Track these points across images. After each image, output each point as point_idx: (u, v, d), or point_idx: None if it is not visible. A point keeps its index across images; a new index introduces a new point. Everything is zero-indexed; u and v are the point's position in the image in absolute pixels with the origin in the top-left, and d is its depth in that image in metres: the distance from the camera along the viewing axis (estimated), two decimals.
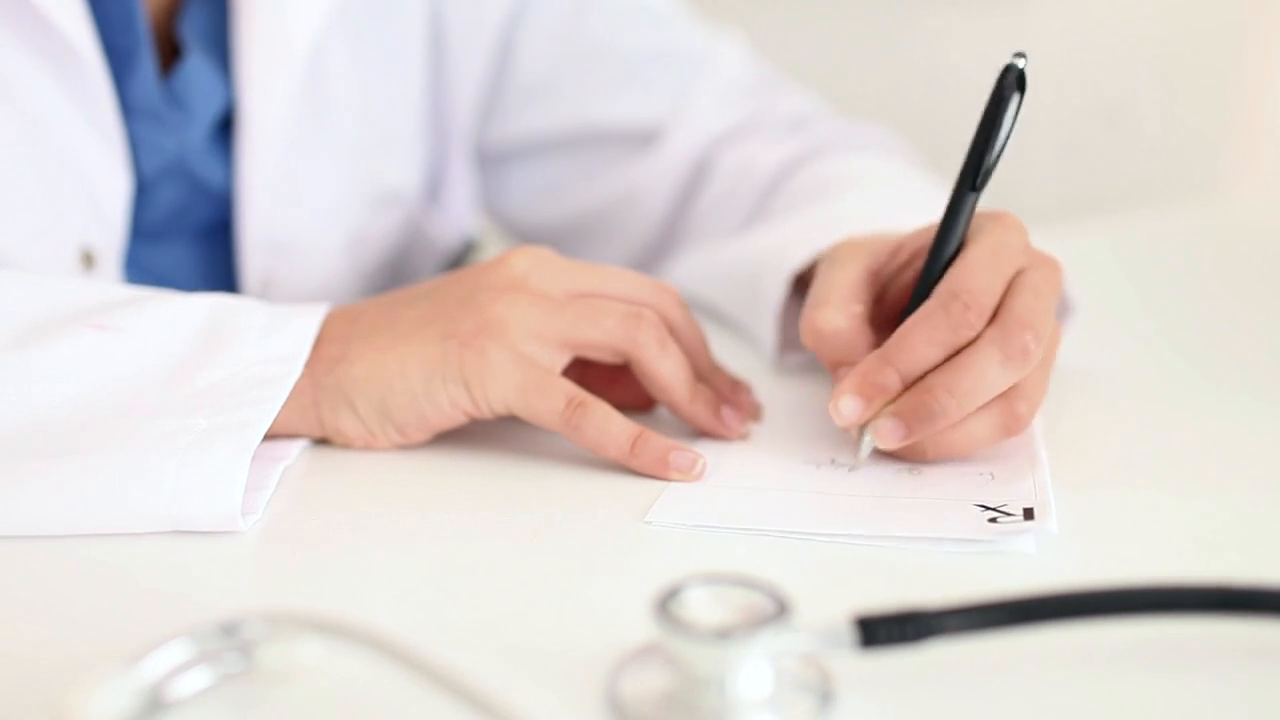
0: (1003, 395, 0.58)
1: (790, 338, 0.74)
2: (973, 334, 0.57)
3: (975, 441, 0.59)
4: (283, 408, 0.58)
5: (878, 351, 0.58)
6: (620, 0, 0.94)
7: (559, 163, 0.96)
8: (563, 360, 0.61)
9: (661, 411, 0.66)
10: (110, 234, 0.76)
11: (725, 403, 0.64)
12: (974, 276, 0.58)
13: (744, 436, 0.63)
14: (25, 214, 0.73)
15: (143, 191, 0.78)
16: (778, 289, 0.73)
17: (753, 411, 0.65)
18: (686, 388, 0.62)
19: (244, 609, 0.43)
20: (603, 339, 0.61)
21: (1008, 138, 0.57)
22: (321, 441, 0.62)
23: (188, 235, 0.83)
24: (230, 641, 0.42)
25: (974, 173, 0.58)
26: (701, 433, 0.63)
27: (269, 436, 0.59)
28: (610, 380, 0.65)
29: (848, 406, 0.58)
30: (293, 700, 0.43)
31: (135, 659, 0.40)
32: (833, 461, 0.61)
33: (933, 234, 0.60)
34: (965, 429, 0.58)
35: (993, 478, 0.58)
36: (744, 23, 1.01)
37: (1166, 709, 0.43)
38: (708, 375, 0.65)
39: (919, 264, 0.63)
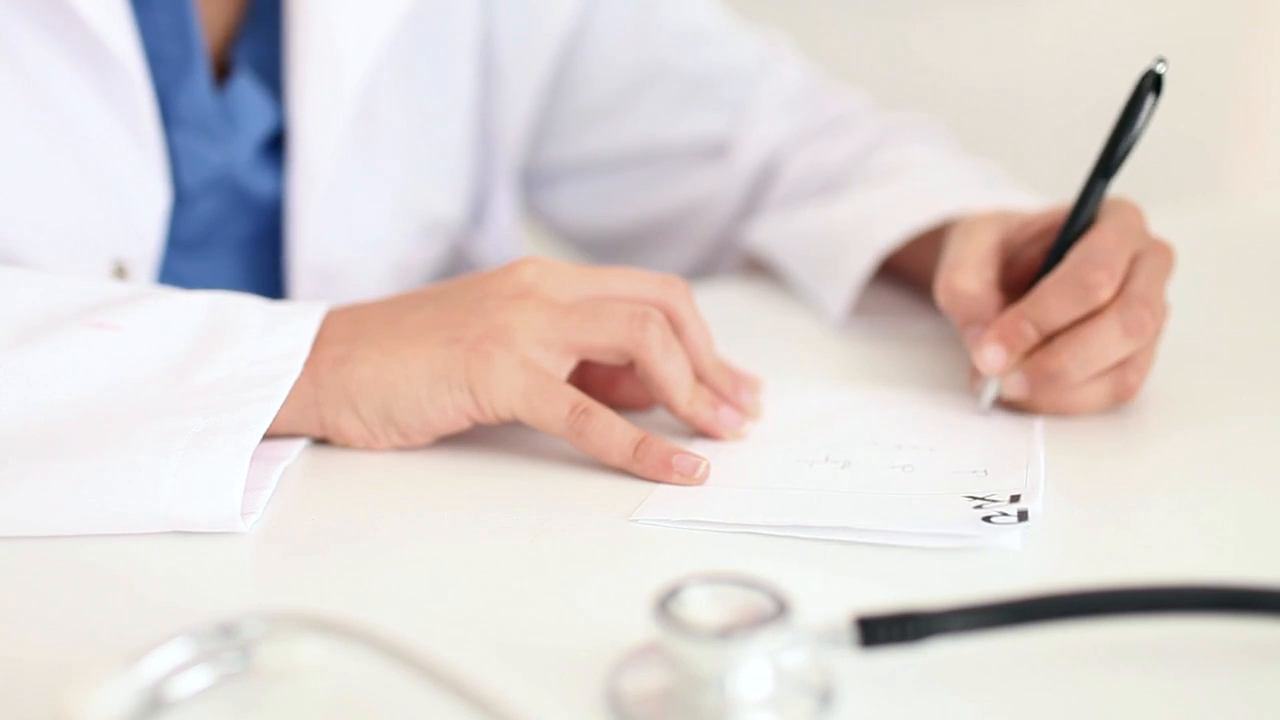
0: (1117, 365, 0.64)
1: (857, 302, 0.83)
2: (1105, 296, 0.62)
3: (1088, 404, 0.65)
4: (283, 406, 0.58)
5: (1015, 308, 0.65)
6: (678, 22, 0.95)
7: (622, 177, 0.98)
8: (568, 365, 0.61)
9: (661, 410, 0.66)
10: (143, 246, 0.76)
11: (725, 403, 0.63)
12: (1105, 245, 0.63)
13: (741, 437, 0.63)
14: (57, 222, 0.73)
15: (181, 203, 0.78)
16: (864, 259, 0.80)
17: (753, 410, 0.65)
18: (686, 390, 0.62)
19: (244, 609, 0.43)
20: (607, 342, 0.61)
21: (1140, 133, 0.64)
22: (321, 441, 0.62)
23: (225, 247, 0.83)
24: (230, 641, 0.42)
25: (1107, 161, 0.64)
26: (699, 433, 0.63)
27: (269, 435, 0.59)
28: (610, 381, 0.65)
29: (992, 354, 0.64)
30: (293, 700, 0.43)
31: (135, 659, 0.40)
32: (826, 459, 0.61)
33: (1061, 212, 0.68)
34: (1081, 391, 0.64)
35: (986, 474, 0.58)
36: (748, 21, 1.01)
37: (1166, 709, 0.43)
38: (710, 372, 0.64)
39: (1047, 240, 0.69)
